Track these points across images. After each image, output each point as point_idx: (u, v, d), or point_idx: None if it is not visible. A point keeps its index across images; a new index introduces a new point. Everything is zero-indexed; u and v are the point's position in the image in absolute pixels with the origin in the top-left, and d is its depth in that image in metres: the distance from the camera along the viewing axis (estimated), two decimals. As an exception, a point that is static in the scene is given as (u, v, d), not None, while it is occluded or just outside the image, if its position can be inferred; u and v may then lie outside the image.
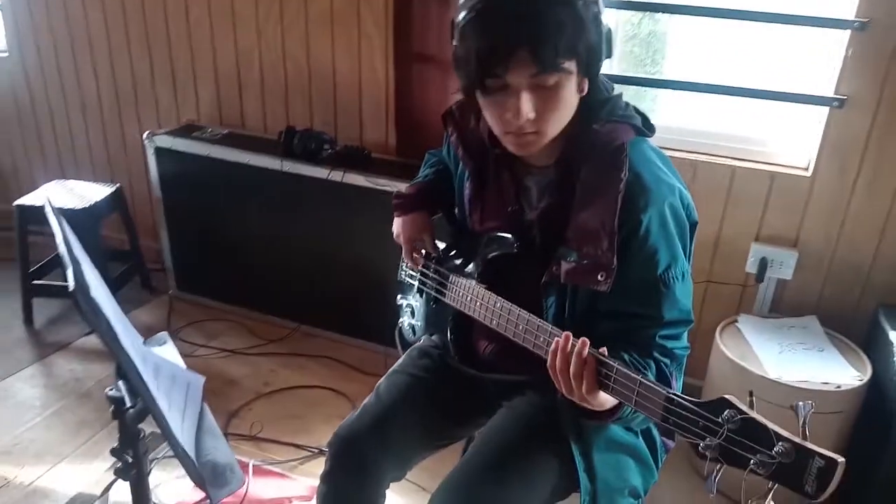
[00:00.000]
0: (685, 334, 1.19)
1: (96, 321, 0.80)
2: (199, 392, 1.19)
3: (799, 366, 1.90)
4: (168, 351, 1.33)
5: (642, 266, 1.10)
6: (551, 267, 1.16)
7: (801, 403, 0.80)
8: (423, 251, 1.46)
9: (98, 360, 2.56)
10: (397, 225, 1.49)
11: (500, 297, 1.24)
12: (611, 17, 2.27)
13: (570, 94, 1.08)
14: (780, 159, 2.18)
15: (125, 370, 0.85)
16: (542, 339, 1.13)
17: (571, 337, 1.00)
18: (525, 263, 1.25)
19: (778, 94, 2.11)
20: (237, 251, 2.77)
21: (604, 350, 0.99)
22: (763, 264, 2.17)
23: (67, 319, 2.79)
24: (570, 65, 1.05)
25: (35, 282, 2.71)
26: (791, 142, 2.17)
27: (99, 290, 1.03)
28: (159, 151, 2.72)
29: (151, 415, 0.96)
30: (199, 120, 2.92)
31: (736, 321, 2.13)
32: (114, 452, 1.10)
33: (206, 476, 1.01)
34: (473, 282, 1.32)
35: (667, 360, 1.14)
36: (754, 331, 2.07)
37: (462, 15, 1.06)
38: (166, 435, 0.91)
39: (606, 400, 1.01)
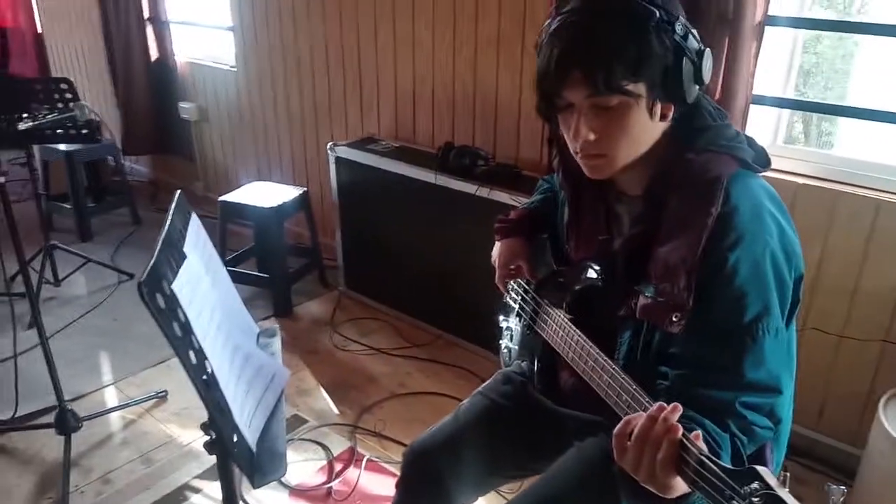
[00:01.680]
0: (773, 409, 1.03)
1: (157, 314, 0.92)
2: (282, 384, 1.30)
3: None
4: (274, 342, 1.47)
5: (726, 310, 0.99)
6: (630, 301, 1.10)
7: (833, 487, 0.69)
8: (521, 277, 1.45)
9: (268, 342, 2.88)
10: (496, 249, 1.50)
11: (578, 330, 1.21)
12: (788, 36, 2.06)
13: (640, 118, 1.02)
14: None
15: (179, 358, 0.96)
16: (604, 379, 1.09)
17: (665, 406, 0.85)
18: (609, 295, 1.19)
19: None
20: (395, 257, 2.94)
21: (697, 434, 0.82)
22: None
23: (251, 304, 3.14)
24: (636, 87, 0.99)
25: (229, 268, 3.11)
26: None
27: (202, 285, 1.18)
28: (339, 160, 2.98)
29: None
30: (378, 133, 3.15)
31: (911, 393, 1.81)
32: (203, 427, 1.24)
33: (264, 460, 1.11)
34: (561, 312, 1.29)
35: (744, 439, 1.00)
36: (934, 408, 1.74)
37: (540, 34, 1.06)
38: (212, 415, 1.00)
39: (677, 485, 0.83)
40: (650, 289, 1.06)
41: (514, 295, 1.54)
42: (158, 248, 1.05)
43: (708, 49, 1.04)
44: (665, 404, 0.84)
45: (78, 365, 2.69)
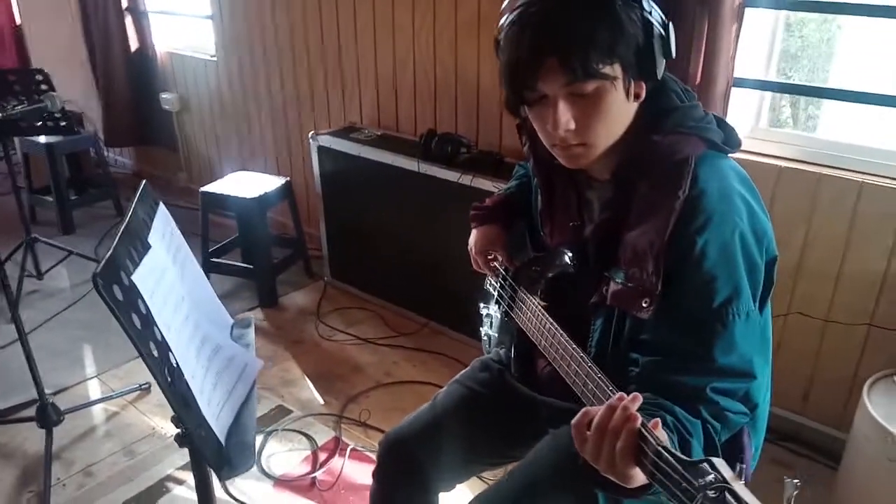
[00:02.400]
0: (748, 394, 1.02)
1: (114, 306, 0.90)
2: (253, 375, 1.28)
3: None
4: (248, 333, 1.45)
5: (695, 295, 0.98)
6: (601, 287, 1.08)
7: (788, 481, 0.68)
8: (499, 265, 1.44)
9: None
10: (472, 236, 1.48)
11: (550, 318, 1.20)
12: (769, 18, 2.04)
13: (617, 100, 1.00)
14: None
15: (139, 350, 0.94)
16: (573, 367, 1.08)
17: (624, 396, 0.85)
18: (582, 282, 1.18)
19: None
20: (381, 246, 2.92)
21: (657, 422, 0.82)
22: (940, 311, 1.81)
23: (236, 296, 3.15)
24: (612, 69, 0.97)
25: (213, 259, 3.10)
26: None
27: (168, 275, 1.16)
28: (321, 150, 2.95)
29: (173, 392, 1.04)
30: (360, 122, 3.12)
31: (893, 376, 1.80)
32: (173, 420, 1.22)
33: (233, 452, 1.10)
34: (536, 299, 1.28)
35: (716, 425, 0.99)
36: (915, 389, 1.74)
37: (499, 31, 1.04)
38: (176, 409, 0.99)
39: (637, 475, 0.81)
40: (620, 275, 1.05)
41: (493, 282, 1.53)
42: (117, 238, 1.03)
43: (671, 22, 1.02)
44: (625, 394, 0.83)
45: (61, 358, 2.67)
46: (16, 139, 3.79)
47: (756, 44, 2.07)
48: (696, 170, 1.01)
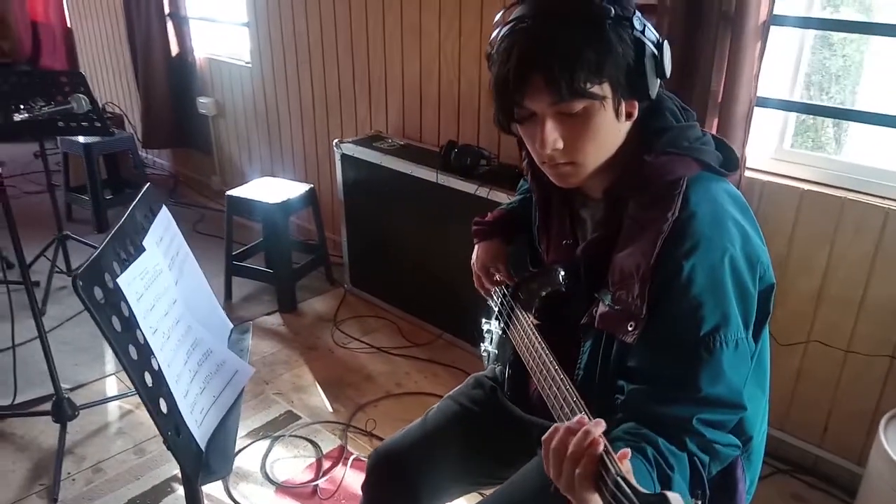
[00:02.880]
0: (739, 426, 1.00)
1: (92, 308, 0.92)
2: (244, 381, 1.29)
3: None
4: (246, 339, 1.46)
5: (681, 321, 0.95)
6: (591, 309, 1.06)
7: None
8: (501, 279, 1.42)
9: (269, 337, 2.89)
10: (475, 252, 1.47)
11: (539, 337, 1.18)
12: (795, 37, 1.98)
13: (606, 120, 0.98)
14: None
15: (115, 352, 0.96)
16: (553, 389, 1.05)
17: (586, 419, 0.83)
18: (574, 302, 1.16)
19: None
20: (399, 256, 2.93)
21: (626, 452, 0.78)
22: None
23: (257, 299, 3.19)
24: (600, 89, 0.95)
25: (235, 263, 3.14)
26: None
27: (161, 279, 1.18)
28: (344, 158, 2.97)
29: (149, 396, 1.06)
30: (386, 131, 3.13)
31: (915, 412, 1.72)
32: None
33: (212, 458, 1.10)
34: (530, 317, 1.26)
35: (704, 458, 0.96)
36: (937, 428, 1.66)
37: (491, 45, 1.02)
38: (152, 413, 0.99)
39: (596, 500, 0.76)
40: (608, 297, 1.02)
41: (495, 297, 1.51)
42: (106, 241, 1.05)
43: (666, 41, 0.99)
44: (587, 418, 0.80)
45: (84, 354, 2.73)
46: (58, 138, 3.93)
47: (782, 63, 2.01)
48: (688, 192, 0.98)
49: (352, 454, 2.19)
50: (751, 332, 0.99)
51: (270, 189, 3.15)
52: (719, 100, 1.93)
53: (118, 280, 1.02)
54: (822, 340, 2.01)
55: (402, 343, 2.83)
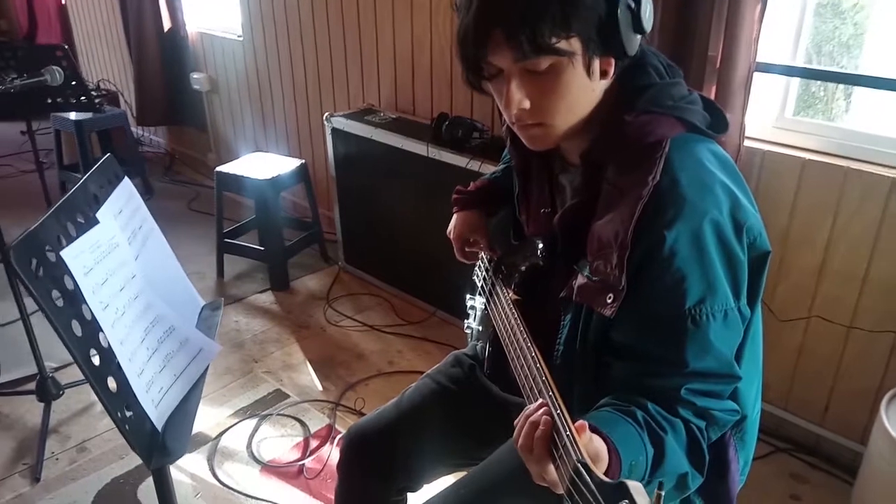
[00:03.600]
0: (735, 394, 0.94)
1: (26, 280, 0.86)
2: (209, 358, 1.23)
3: None
4: (216, 315, 1.40)
5: (664, 295, 0.88)
6: (570, 281, 0.99)
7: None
8: (481, 252, 1.36)
9: (261, 316, 2.84)
10: (452, 221, 1.40)
11: (516, 312, 1.11)
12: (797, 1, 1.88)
13: (576, 78, 0.90)
14: None
15: (55, 328, 0.90)
16: (524, 366, 0.99)
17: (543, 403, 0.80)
18: (552, 275, 1.09)
19: None
20: (391, 232, 2.86)
21: (582, 424, 0.74)
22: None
23: (250, 277, 3.14)
24: (567, 44, 0.87)
25: (227, 240, 3.09)
26: None
27: (117, 253, 1.12)
28: (335, 132, 2.90)
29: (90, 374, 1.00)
30: (378, 104, 3.05)
31: (918, 390, 1.65)
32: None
33: (168, 439, 1.05)
34: (509, 292, 1.20)
35: (700, 423, 0.91)
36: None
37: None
38: (98, 391, 0.94)
39: (557, 480, 0.73)
40: (587, 268, 0.95)
41: (479, 272, 1.45)
42: (49, 213, 0.99)
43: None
44: (548, 401, 0.75)
45: (73, 333, 2.70)
46: (51, 115, 3.87)
47: (783, 27, 1.91)
48: (671, 154, 0.90)
49: (339, 433, 2.14)
50: (743, 299, 0.92)
51: (261, 165, 3.08)
52: (717, 65, 1.84)
53: (62, 253, 0.97)
54: (823, 316, 1.93)
55: (396, 321, 2.78)
